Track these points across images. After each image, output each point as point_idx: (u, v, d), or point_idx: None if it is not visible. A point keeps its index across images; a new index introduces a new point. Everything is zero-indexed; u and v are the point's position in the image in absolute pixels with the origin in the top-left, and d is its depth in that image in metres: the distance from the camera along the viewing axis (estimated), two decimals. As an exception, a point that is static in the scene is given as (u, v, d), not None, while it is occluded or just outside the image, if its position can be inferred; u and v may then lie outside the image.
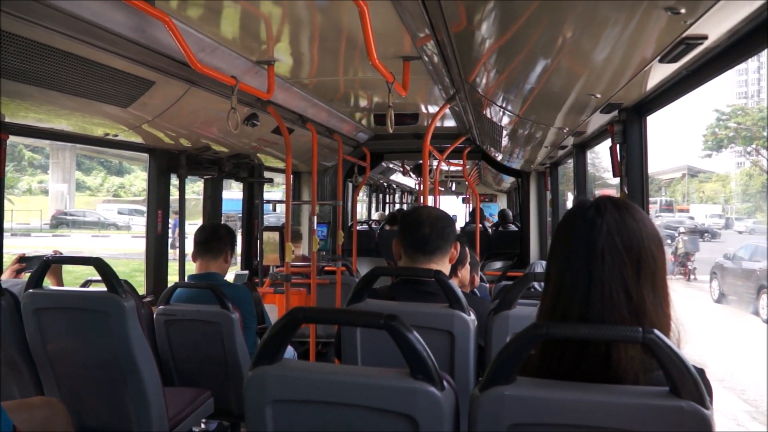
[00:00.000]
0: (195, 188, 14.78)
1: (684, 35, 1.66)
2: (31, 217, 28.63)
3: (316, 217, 4.14)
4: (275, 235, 4.58)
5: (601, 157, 4.60)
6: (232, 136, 3.93)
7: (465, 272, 3.08)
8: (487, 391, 1.15)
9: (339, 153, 4.93)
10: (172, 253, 4.83)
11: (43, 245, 21.16)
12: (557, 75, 2.35)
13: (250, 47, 2.69)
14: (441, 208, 3.38)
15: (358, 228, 6.52)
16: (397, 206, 15.89)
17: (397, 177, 11.86)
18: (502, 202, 16.01)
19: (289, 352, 3.84)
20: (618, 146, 2.96)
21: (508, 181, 10.37)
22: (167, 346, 3.10)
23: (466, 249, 3.00)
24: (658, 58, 1.89)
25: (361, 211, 12.80)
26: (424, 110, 4.65)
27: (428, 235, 2.24)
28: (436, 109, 4.22)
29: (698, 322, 11.24)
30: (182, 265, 4.14)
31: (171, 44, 2.20)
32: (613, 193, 4.10)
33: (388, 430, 1.29)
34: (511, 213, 8.54)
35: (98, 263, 2.39)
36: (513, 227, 7.81)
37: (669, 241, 18.72)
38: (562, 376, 1.17)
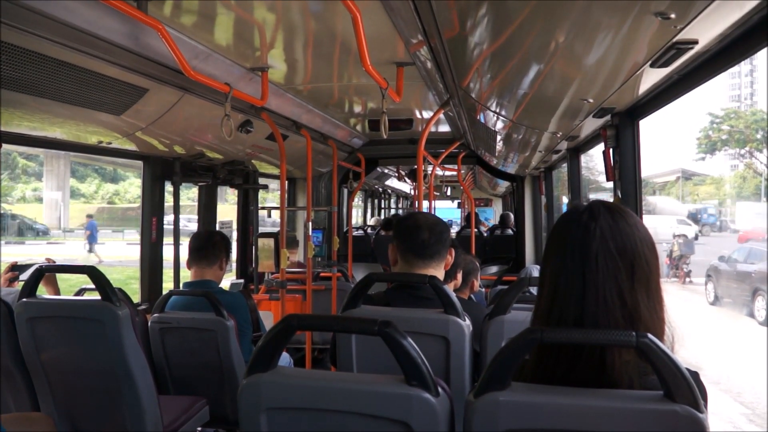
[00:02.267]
0: (190, 194, 14.76)
1: (674, 40, 1.67)
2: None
3: (311, 223, 4.14)
4: (270, 242, 4.58)
5: (595, 160, 4.62)
6: (227, 143, 3.93)
7: (458, 278, 3.09)
8: (482, 396, 1.15)
9: (334, 159, 4.93)
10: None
11: (37, 253, 21.09)
12: (550, 80, 2.36)
13: (244, 54, 2.69)
14: (436, 213, 3.39)
15: (353, 234, 6.53)
16: (393, 211, 15.90)
17: (392, 182, 11.87)
18: (497, 207, 16.04)
19: (285, 358, 3.84)
20: (611, 150, 2.97)
21: (503, 185, 10.39)
22: (162, 353, 3.09)
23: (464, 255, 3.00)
24: (650, 62, 1.90)
25: (357, 217, 12.80)
26: (418, 116, 4.66)
27: (427, 240, 2.24)
28: (430, 114, 4.23)
29: (694, 325, 11.26)
30: (177, 273, 4.13)
31: (164, 52, 2.20)
32: (607, 197, 4.11)
33: (383, 437, 1.29)
34: (512, 216, 8.48)
35: (92, 271, 2.39)
36: (510, 231, 7.81)
37: (664, 245, 18.76)
38: (557, 381, 1.17)
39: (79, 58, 2.17)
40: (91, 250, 21.38)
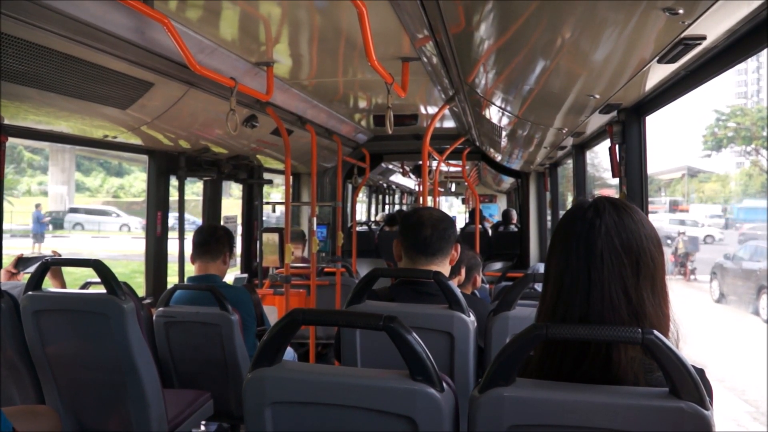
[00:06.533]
0: (195, 189, 14.74)
1: (682, 36, 1.66)
2: (31, 218, 28.54)
3: (315, 219, 4.14)
4: (275, 237, 4.58)
5: (600, 157, 4.61)
6: (232, 138, 3.93)
7: (462, 274, 3.09)
8: (487, 392, 1.15)
9: (338, 154, 4.93)
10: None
11: (42, 246, 21.13)
12: (556, 76, 2.35)
13: (249, 48, 2.69)
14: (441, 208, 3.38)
15: (357, 229, 6.52)
16: (397, 207, 15.90)
17: (397, 178, 11.87)
18: (501, 203, 16.01)
19: (289, 353, 3.84)
20: (617, 147, 2.96)
21: (508, 181, 10.37)
22: (167, 347, 3.10)
23: (466, 251, 3.00)
24: (657, 58, 1.89)
25: (361, 212, 12.80)
26: (423, 111, 4.65)
27: (430, 237, 2.24)
28: (436, 109, 4.22)
29: (698, 322, 11.24)
30: (182, 267, 4.14)
31: (170, 46, 2.20)
32: (613, 193, 4.11)
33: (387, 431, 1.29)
34: (515, 213, 8.47)
35: (97, 265, 2.39)
36: (513, 228, 7.80)
37: (669, 241, 18.72)
38: (562, 378, 1.17)
39: (85, 51, 2.17)
40: (34, 242, 20.70)
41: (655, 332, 1.06)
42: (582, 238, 1.20)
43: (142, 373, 2.40)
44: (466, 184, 8.68)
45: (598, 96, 2.55)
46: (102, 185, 38.11)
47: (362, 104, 4.37)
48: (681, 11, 1.45)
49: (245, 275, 5.30)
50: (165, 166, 4.02)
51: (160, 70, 2.58)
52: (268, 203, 5.44)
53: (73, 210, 29.24)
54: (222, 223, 4.84)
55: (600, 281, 1.17)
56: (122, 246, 21.60)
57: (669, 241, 18.66)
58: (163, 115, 3.02)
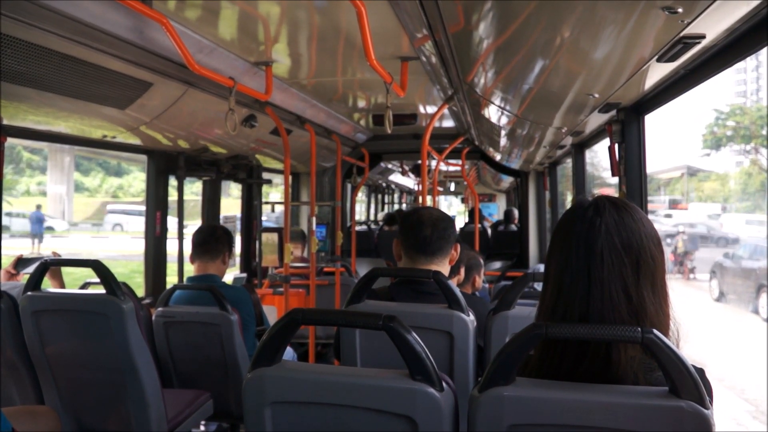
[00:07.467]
0: (194, 188, 14.73)
1: (682, 34, 1.66)
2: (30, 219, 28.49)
3: (315, 218, 4.14)
4: (274, 236, 4.58)
5: (600, 156, 4.61)
6: (231, 138, 3.93)
7: (461, 274, 3.08)
8: (487, 391, 1.15)
9: (337, 154, 4.93)
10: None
11: (41, 247, 21.12)
12: (555, 75, 2.35)
13: (248, 48, 2.69)
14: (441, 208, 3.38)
15: (357, 229, 6.51)
16: (396, 207, 15.89)
17: (396, 177, 11.86)
18: (501, 202, 16.01)
19: (289, 353, 3.84)
20: (616, 146, 2.96)
21: (507, 180, 10.37)
22: (166, 347, 3.10)
23: (467, 251, 3.00)
24: (656, 57, 1.89)
25: (360, 212, 12.80)
26: (422, 110, 4.65)
27: (430, 237, 2.24)
28: (435, 109, 4.22)
29: (698, 321, 11.24)
30: (181, 267, 4.14)
31: (168, 45, 2.20)
32: (613, 192, 4.11)
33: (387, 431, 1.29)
34: (516, 212, 8.44)
35: (96, 265, 2.39)
36: (513, 227, 7.80)
37: (668, 240, 18.73)
38: (562, 377, 1.17)
39: (84, 51, 2.17)
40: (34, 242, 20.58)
41: (655, 331, 1.05)
42: (582, 237, 1.20)
43: (141, 373, 2.40)
44: (465, 183, 8.68)
45: (597, 95, 2.55)
46: (101, 185, 38.07)
47: (361, 104, 4.36)
48: (680, 10, 1.45)
49: (244, 275, 5.30)
50: (164, 166, 4.02)
51: (159, 70, 2.58)
52: (267, 203, 5.44)
53: (111, 211, 30.34)
54: (221, 222, 4.85)
55: (600, 280, 1.17)
56: (121, 246, 21.57)
57: (669, 240, 18.64)
58: (162, 114, 3.01)
